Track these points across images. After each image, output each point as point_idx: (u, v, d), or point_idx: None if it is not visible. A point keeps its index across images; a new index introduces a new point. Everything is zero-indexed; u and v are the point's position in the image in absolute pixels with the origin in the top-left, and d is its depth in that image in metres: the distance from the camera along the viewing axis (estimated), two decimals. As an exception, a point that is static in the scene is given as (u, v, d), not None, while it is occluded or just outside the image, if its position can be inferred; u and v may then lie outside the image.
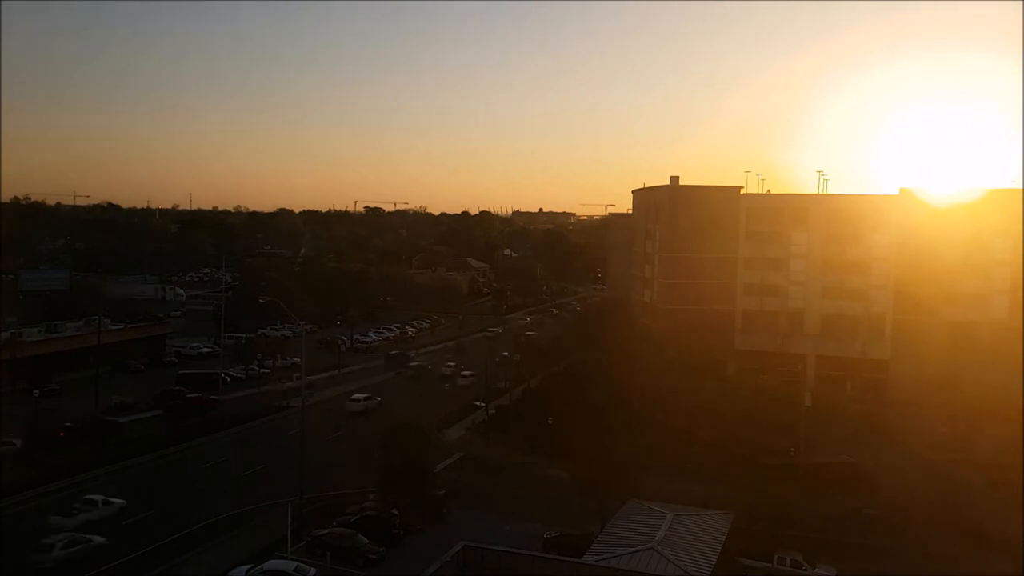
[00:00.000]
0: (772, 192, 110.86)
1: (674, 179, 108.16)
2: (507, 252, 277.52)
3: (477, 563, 41.12)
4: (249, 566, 49.51)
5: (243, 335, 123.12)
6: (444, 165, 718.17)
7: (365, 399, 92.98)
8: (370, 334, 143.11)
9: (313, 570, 48.88)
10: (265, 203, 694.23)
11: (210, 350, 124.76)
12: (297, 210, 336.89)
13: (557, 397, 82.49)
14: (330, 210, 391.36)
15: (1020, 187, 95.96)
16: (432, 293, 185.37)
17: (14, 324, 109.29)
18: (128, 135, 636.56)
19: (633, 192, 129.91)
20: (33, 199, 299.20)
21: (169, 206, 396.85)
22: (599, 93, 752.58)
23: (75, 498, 59.83)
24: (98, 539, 52.54)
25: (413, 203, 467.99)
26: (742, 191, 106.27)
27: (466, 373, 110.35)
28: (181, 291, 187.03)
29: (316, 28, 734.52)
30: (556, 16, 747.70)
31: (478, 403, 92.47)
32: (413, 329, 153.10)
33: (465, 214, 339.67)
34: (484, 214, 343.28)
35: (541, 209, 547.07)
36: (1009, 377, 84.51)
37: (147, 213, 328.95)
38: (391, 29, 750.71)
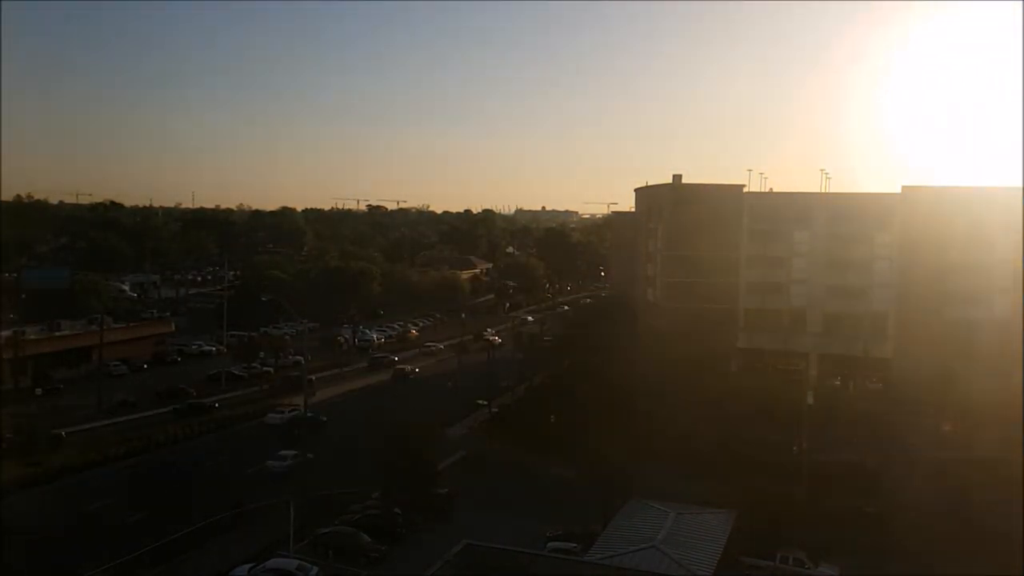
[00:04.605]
0: (775, 190, 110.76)
1: (677, 177, 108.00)
2: (509, 250, 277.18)
3: (480, 562, 41.11)
4: (251, 565, 49.54)
5: (245, 333, 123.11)
6: (447, 163, 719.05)
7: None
8: (371, 332, 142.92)
9: (315, 569, 48.88)
10: (268, 201, 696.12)
11: (213, 348, 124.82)
12: (300, 208, 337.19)
13: (560, 395, 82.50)
14: (333, 208, 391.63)
15: (1021, 186, 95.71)
16: (434, 292, 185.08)
17: (16, 322, 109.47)
18: (130, 133, 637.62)
19: (636, 190, 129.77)
20: (35, 197, 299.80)
21: (171, 204, 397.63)
22: (602, 91, 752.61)
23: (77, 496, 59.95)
24: None
25: (415, 201, 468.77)
26: (745, 189, 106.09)
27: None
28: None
29: (319, 26, 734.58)
30: (559, 15, 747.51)
31: (480, 401, 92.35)
32: (415, 328, 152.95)
33: (468, 212, 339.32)
34: (487, 212, 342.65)
35: (544, 207, 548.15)
36: (1011, 375, 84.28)
37: (149, 211, 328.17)
38: (394, 27, 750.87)
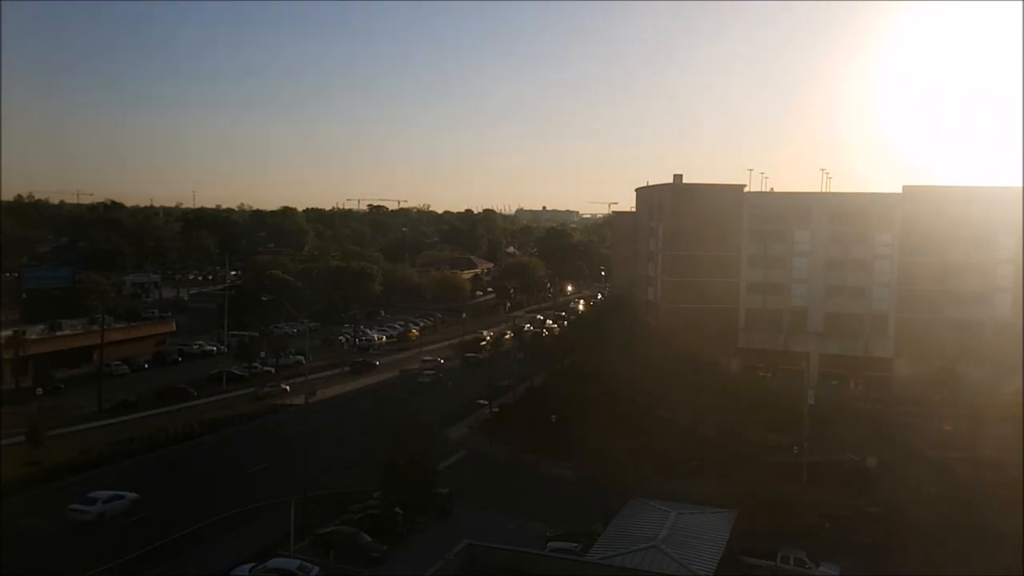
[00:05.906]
0: (775, 190, 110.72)
1: (677, 177, 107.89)
2: (510, 250, 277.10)
3: (481, 561, 41.16)
4: (252, 564, 49.55)
5: (246, 333, 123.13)
6: (448, 163, 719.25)
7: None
8: (372, 332, 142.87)
9: (316, 568, 48.91)
10: (269, 201, 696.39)
11: (214, 348, 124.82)
12: (301, 208, 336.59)
13: (560, 395, 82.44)
14: (334, 208, 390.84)
15: (1021, 186, 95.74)
16: (435, 291, 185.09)
17: (17, 322, 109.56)
18: (131, 133, 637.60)
19: (636, 190, 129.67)
20: (35, 197, 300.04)
21: (172, 204, 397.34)
22: (603, 91, 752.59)
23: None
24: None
25: (416, 201, 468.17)
26: (745, 189, 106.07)
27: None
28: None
29: (319, 27, 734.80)
30: (559, 16, 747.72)
31: (481, 401, 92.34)
32: (416, 327, 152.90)
33: (468, 212, 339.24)
34: (487, 212, 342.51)
35: (545, 207, 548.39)
36: (1012, 375, 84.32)
37: (150, 211, 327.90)
38: (394, 28, 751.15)
